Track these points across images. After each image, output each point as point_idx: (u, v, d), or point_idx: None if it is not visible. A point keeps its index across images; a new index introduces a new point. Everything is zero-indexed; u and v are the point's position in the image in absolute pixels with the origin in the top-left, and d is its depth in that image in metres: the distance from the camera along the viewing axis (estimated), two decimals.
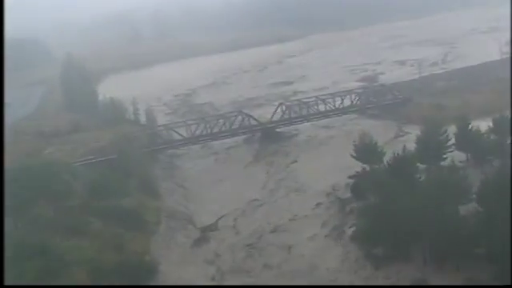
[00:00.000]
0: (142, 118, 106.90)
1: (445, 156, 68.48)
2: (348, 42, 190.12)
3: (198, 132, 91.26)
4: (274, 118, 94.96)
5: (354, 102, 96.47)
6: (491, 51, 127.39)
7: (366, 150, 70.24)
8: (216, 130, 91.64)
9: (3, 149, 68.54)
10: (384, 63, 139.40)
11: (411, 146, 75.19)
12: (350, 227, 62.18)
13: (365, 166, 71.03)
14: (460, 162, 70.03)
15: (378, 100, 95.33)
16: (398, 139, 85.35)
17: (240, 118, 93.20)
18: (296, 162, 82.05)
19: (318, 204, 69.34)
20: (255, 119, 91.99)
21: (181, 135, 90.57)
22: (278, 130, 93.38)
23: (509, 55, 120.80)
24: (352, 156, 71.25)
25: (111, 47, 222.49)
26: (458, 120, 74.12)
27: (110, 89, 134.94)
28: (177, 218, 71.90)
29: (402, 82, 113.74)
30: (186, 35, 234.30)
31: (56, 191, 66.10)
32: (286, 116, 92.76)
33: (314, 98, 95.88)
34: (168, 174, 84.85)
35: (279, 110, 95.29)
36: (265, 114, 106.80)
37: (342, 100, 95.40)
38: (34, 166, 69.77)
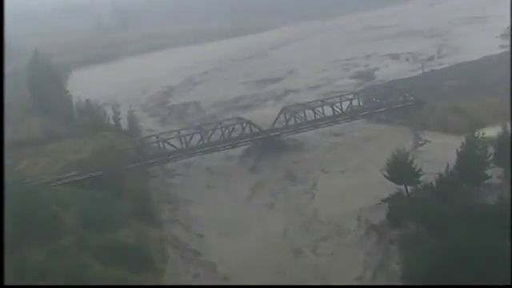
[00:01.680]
0: (123, 123, 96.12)
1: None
2: (329, 32, 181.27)
3: (193, 142, 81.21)
4: (277, 124, 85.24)
5: (362, 105, 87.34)
6: (486, 43, 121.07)
7: (401, 169, 61.59)
8: (213, 139, 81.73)
9: (3, 149, 61.33)
10: (374, 57, 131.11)
11: (438, 157, 68.15)
12: (398, 263, 53.52)
13: (398, 186, 62.61)
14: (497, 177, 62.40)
15: (388, 103, 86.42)
16: (419, 149, 77.13)
17: (239, 125, 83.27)
18: (311, 181, 72.53)
19: (350, 232, 60.44)
20: (256, 126, 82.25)
21: (174, 146, 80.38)
22: (282, 138, 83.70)
23: (507, 48, 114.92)
24: (385, 176, 62.66)
25: (75, 38, 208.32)
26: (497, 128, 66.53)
27: (80, 87, 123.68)
28: (184, 251, 62.23)
29: (405, 80, 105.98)
30: (151, 24, 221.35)
31: (45, 227, 55.96)
32: (291, 122, 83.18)
33: (319, 102, 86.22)
34: (163, 194, 74.76)
35: (282, 115, 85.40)
36: (258, 116, 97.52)
37: (351, 103, 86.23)
38: (16, 195, 59.05)
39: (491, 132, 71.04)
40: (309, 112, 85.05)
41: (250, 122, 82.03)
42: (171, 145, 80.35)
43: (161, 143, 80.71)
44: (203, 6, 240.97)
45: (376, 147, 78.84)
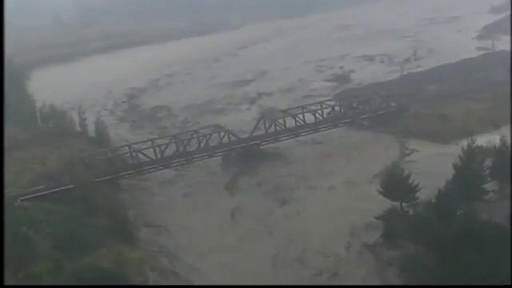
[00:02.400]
0: (91, 129, 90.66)
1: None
2: (299, 31, 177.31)
3: (168, 152, 76.37)
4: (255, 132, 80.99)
5: (344, 112, 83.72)
6: (462, 45, 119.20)
7: (396, 185, 58.01)
8: (189, 148, 77.07)
9: (3, 149, 58.23)
10: (348, 58, 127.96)
11: (429, 169, 65.10)
12: None
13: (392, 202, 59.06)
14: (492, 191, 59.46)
15: (371, 109, 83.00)
16: (406, 159, 73.83)
17: (217, 133, 78.75)
18: (298, 200, 68.19)
19: (347, 248, 56.70)
20: (234, 135, 77.87)
21: (148, 157, 75.36)
22: (261, 146, 79.43)
23: (485, 51, 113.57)
24: (379, 192, 58.92)
25: (33, 37, 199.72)
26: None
27: (41, 89, 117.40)
28: (164, 273, 57.60)
29: (383, 84, 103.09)
30: (113, 22, 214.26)
31: (17, 252, 50.65)
32: (271, 130, 78.99)
33: (299, 109, 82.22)
34: (138, 210, 69.54)
35: (261, 122, 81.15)
36: (233, 122, 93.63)
37: (333, 109, 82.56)
38: None
39: (481, 141, 69.01)
40: (288, 119, 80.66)
41: (228, 131, 77.48)
42: (145, 155, 75.14)
43: (134, 153, 75.32)
44: (167, 3, 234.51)
45: (362, 157, 75.70)
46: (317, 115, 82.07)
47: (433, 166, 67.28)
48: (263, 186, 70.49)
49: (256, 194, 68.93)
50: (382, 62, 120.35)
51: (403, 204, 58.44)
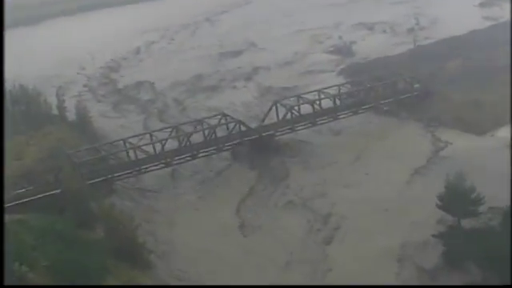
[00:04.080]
0: (69, 112, 79.15)
1: None
2: None
3: (168, 145, 65.74)
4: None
5: (364, 95, 73.92)
6: (466, 13, 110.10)
7: (458, 197, 49.03)
8: (194, 142, 66.59)
9: (3, 148, 49.46)
10: (345, 26, 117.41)
11: (471, 167, 56.39)
12: None
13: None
14: None
15: (394, 92, 73.37)
16: (441, 154, 64.93)
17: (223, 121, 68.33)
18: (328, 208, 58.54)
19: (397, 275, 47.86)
20: (245, 124, 67.46)
21: (146, 152, 64.50)
22: (275, 138, 69.42)
23: (492, 21, 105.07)
24: (437, 206, 49.90)
25: None
26: None
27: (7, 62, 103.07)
28: None
29: (393, 58, 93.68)
30: None
31: None
32: (288, 118, 68.91)
33: (315, 93, 71.99)
34: (140, 220, 58.83)
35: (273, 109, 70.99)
36: (230, 103, 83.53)
37: (356, 93, 72.92)
38: None
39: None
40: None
41: (240, 121, 66.99)
42: (143, 150, 64.25)
43: (130, 150, 64.38)
44: None
45: (391, 151, 66.41)
46: (336, 100, 71.84)
47: (474, 163, 58.63)
48: (286, 190, 60.46)
49: (277, 198, 59.22)
50: (384, 31, 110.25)
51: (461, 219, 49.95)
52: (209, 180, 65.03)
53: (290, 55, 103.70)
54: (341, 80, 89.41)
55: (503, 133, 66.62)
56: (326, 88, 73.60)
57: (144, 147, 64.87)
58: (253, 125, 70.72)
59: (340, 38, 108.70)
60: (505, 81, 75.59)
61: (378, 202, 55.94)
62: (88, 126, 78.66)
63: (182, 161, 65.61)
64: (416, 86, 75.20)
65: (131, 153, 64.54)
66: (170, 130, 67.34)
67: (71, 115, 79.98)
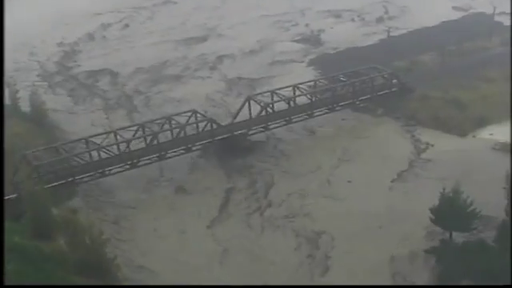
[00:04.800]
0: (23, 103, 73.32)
1: None
2: None
3: (133, 146, 60.78)
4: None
5: (341, 91, 70.20)
6: (435, 2, 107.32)
7: (453, 212, 46.20)
8: (162, 141, 61.80)
9: (3, 148, 51.09)
10: (311, 13, 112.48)
11: (458, 173, 53.73)
12: None
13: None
14: None
15: (372, 89, 69.97)
16: (423, 157, 62.37)
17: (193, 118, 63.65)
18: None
19: None
20: (216, 123, 62.99)
21: (110, 153, 59.43)
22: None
23: (463, 12, 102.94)
24: (431, 220, 46.98)
25: None
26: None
27: None
28: None
29: (365, 49, 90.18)
30: None
31: None
32: (262, 115, 64.88)
33: (290, 88, 67.93)
34: (105, 226, 54.08)
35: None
36: (195, 95, 78.74)
37: (333, 89, 68.97)
38: None
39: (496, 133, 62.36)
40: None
41: (211, 120, 62.52)
42: (108, 151, 59.17)
43: (88, 145, 59.20)
44: None
45: (371, 152, 63.20)
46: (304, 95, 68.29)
47: (459, 167, 56.36)
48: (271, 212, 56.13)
49: (252, 204, 56.12)
50: (353, 20, 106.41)
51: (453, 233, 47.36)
52: (178, 183, 60.12)
53: (255, 43, 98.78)
54: (311, 71, 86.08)
55: (484, 134, 64.35)
56: (301, 83, 69.21)
57: (108, 147, 59.34)
58: (222, 122, 66.17)
59: (307, 25, 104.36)
60: (483, 77, 73.33)
61: (364, 216, 52.48)
62: (44, 119, 72.75)
63: (148, 161, 60.72)
64: (394, 81, 71.64)
65: (94, 153, 59.13)
66: (135, 127, 61.75)
67: (24, 107, 73.60)
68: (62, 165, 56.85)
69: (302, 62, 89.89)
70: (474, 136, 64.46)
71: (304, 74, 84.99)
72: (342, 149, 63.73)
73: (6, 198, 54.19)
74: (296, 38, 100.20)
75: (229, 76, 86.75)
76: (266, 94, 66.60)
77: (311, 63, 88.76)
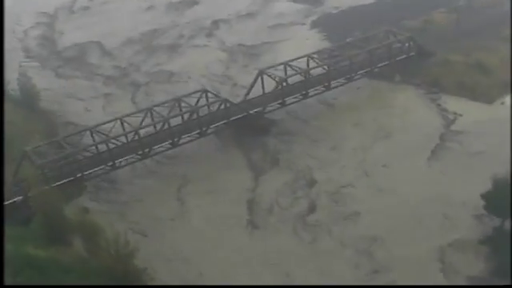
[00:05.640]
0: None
1: None
2: None
3: (142, 133, 55.79)
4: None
5: (357, 59, 65.37)
6: None
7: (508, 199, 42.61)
8: (174, 127, 56.79)
9: (3, 148, 50.00)
10: None
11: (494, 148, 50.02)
12: None
13: None
14: None
15: (390, 54, 65.29)
16: (453, 129, 57.99)
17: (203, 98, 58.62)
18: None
19: None
20: (229, 101, 58.04)
21: (118, 143, 54.34)
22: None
23: None
24: (484, 207, 43.30)
25: None
26: None
27: None
28: None
29: (370, 8, 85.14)
30: None
31: None
32: (278, 91, 59.79)
33: (304, 59, 62.84)
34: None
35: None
36: (196, 67, 73.65)
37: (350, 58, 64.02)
38: None
39: None
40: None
41: (225, 100, 57.49)
42: (116, 141, 54.11)
43: (93, 136, 54.00)
44: None
45: (396, 125, 59.10)
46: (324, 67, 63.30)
47: (495, 140, 52.31)
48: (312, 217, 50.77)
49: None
50: None
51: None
52: (191, 175, 55.26)
53: (250, 4, 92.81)
54: (316, 34, 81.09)
55: None
56: (314, 53, 64.21)
57: (117, 137, 54.33)
58: (232, 98, 61.30)
59: None
60: (499, 37, 69.07)
61: (410, 208, 47.98)
62: (37, 103, 67.05)
63: (161, 149, 55.79)
64: (411, 45, 67.01)
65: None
66: (143, 113, 56.49)
67: (14, 91, 67.91)
68: (67, 161, 51.37)
69: (304, 24, 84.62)
70: (502, 103, 60.30)
71: (308, 37, 79.99)
72: (365, 123, 59.19)
73: (10, 201, 49.36)
74: None
75: (228, 43, 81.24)
76: (279, 67, 61.23)
77: (314, 25, 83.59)
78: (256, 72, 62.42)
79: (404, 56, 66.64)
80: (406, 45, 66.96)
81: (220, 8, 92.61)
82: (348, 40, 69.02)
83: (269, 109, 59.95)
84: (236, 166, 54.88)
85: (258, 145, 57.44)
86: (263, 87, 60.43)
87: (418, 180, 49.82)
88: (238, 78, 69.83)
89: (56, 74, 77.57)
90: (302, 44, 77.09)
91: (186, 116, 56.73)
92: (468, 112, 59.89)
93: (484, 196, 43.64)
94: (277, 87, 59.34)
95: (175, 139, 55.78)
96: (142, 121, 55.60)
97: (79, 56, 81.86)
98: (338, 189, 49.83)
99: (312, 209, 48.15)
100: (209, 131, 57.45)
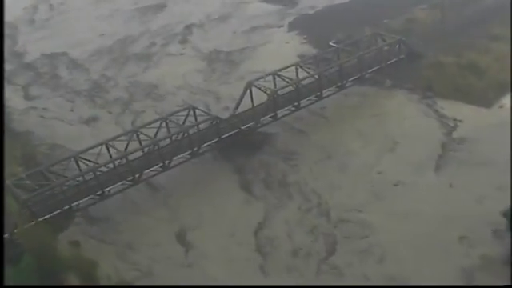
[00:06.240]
0: None
1: None
2: None
3: (129, 158, 51.87)
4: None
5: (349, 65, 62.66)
6: None
7: None
8: (163, 147, 53.05)
9: (3, 148, 48.72)
10: None
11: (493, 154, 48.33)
12: None
13: None
14: None
15: (380, 58, 62.95)
16: (455, 136, 55.89)
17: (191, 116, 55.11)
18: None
19: None
20: (219, 118, 54.72)
21: (104, 169, 50.42)
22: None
23: None
24: (508, 228, 41.41)
25: None
26: None
27: None
28: None
29: (347, 7, 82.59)
30: None
31: None
32: (269, 104, 56.63)
33: (293, 67, 59.83)
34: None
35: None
36: (174, 78, 69.88)
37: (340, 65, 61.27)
38: None
39: None
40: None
41: (215, 118, 54.01)
42: (102, 168, 50.14)
43: (78, 163, 49.89)
44: None
45: (395, 132, 56.70)
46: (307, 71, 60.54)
47: (501, 148, 50.43)
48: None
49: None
50: None
51: None
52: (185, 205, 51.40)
53: (220, 6, 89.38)
54: (295, 37, 78.22)
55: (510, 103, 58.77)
56: (305, 60, 61.70)
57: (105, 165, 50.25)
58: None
59: None
60: (488, 34, 67.46)
61: (428, 232, 44.90)
62: (10, 124, 62.48)
63: (152, 173, 51.99)
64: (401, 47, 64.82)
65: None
66: (128, 135, 52.59)
67: None
68: (53, 193, 47.26)
69: (281, 26, 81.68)
70: (500, 106, 58.48)
71: (288, 40, 77.14)
72: (365, 134, 56.37)
73: None
74: None
75: (204, 50, 77.51)
76: (267, 78, 58.05)
77: (292, 27, 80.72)
78: (240, 82, 59.63)
79: (394, 59, 63.95)
80: (396, 47, 64.20)
81: (189, 12, 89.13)
82: (335, 45, 65.78)
83: (261, 123, 56.44)
84: (235, 193, 50.88)
85: (256, 165, 53.69)
86: (252, 100, 57.05)
87: (430, 198, 47.32)
88: (221, 90, 66.19)
89: (26, 90, 72.07)
90: (281, 48, 74.48)
91: (174, 136, 52.83)
92: (467, 117, 57.84)
93: (505, 214, 41.46)
94: (269, 100, 55.91)
95: (166, 161, 51.85)
96: (128, 144, 51.59)
97: (48, 69, 76.74)
98: (353, 216, 46.35)
99: (331, 250, 44.32)
100: (200, 151, 53.76)
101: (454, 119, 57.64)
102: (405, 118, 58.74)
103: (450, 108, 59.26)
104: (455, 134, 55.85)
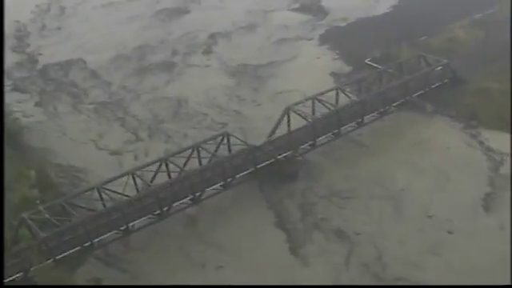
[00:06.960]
0: None
1: None
2: None
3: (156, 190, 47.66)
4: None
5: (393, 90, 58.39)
6: None
7: None
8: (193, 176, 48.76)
9: (3, 149, 47.33)
10: None
11: None
12: None
13: None
14: None
15: (426, 82, 58.62)
16: (502, 172, 51.62)
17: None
18: None
19: None
20: (255, 147, 50.43)
21: (126, 204, 46.32)
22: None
23: None
24: None
25: None
26: None
27: None
28: None
29: (381, 20, 78.91)
30: None
31: None
32: (308, 131, 52.40)
33: (333, 92, 55.55)
34: None
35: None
36: (200, 93, 65.85)
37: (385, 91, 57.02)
38: None
39: None
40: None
41: (251, 147, 49.90)
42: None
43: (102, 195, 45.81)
44: None
45: (439, 165, 52.56)
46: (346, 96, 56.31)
47: None
48: None
49: None
50: None
51: None
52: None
53: (248, 14, 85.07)
54: (327, 52, 74.21)
55: None
56: (346, 84, 57.34)
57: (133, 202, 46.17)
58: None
59: None
60: None
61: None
62: (20, 139, 58.28)
63: (181, 207, 47.87)
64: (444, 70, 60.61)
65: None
66: (157, 164, 48.47)
67: None
68: (74, 230, 43.22)
69: (312, 39, 77.60)
70: None
71: (319, 55, 72.94)
72: (413, 167, 52.03)
73: (9, 279, 41.31)
74: (293, 6, 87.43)
75: (230, 63, 73.19)
76: (307, 104, 53.83)
77: (323, 40, 76.61)
78: (270, 102, 59.15)
79: (438, 83, 59.73)
80: (439, 69, 59.97)
81: (214, 19, 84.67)
82: (372, 63, 61.75)
83: (300, 152, 52.27)
84: (270, 234, 46.57)
85: (291, 200, 49.42)
86: (289, 126, 52.85)
87: (487, 248, 43.04)
88: (250, 110, 62.12)
89: (40, 102, 67.84)
90: (312, 64, 70.50)
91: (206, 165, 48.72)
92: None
93: None
94: (309, 128, 51.77)
95: (196, 194, 47.69)
96: (155, 174, 47.43)
97: (63, 78, 72.51)
98: (409, 275, 41.96)
99: None
100: (234, 182, 49.59)
101: (501, 153, 53.40)
102: (450, 149, 54.33)
103: (495, 139, 55.17)
104: (503, 170, 51.50)
